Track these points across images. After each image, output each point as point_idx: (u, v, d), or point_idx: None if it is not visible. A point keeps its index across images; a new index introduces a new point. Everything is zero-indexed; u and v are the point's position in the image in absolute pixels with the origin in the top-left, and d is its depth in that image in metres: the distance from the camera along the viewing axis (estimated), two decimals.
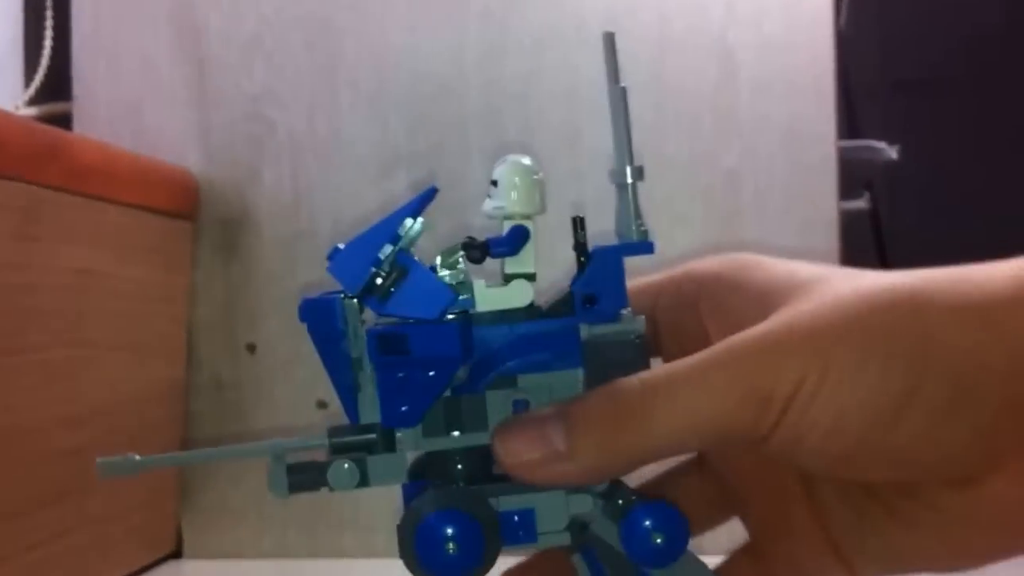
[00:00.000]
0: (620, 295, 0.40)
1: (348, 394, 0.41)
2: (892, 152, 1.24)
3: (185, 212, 1.23)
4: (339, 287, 0.40)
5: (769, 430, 0.36)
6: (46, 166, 0.97)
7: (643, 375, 0.38)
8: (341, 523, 1.21)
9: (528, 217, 0.41)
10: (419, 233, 0.41)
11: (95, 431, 1.05)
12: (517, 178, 0.41)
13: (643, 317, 0.41)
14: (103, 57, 1.29)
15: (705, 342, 0.40)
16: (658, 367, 0.38)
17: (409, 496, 0.41)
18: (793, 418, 0.36)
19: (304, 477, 0.41)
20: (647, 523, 0.39)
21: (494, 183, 0.41)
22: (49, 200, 0.97)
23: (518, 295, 0.41)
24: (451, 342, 0.39)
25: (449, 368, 0.39)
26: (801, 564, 0.44)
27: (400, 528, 0.39)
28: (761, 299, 0.40)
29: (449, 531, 0.38)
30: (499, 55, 1.19)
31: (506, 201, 0.41)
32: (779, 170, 1.16)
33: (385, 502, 1.23)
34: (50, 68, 1.32)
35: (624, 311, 0.41)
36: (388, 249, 0.40)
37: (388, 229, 0.40)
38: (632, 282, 0.41)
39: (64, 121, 1.29)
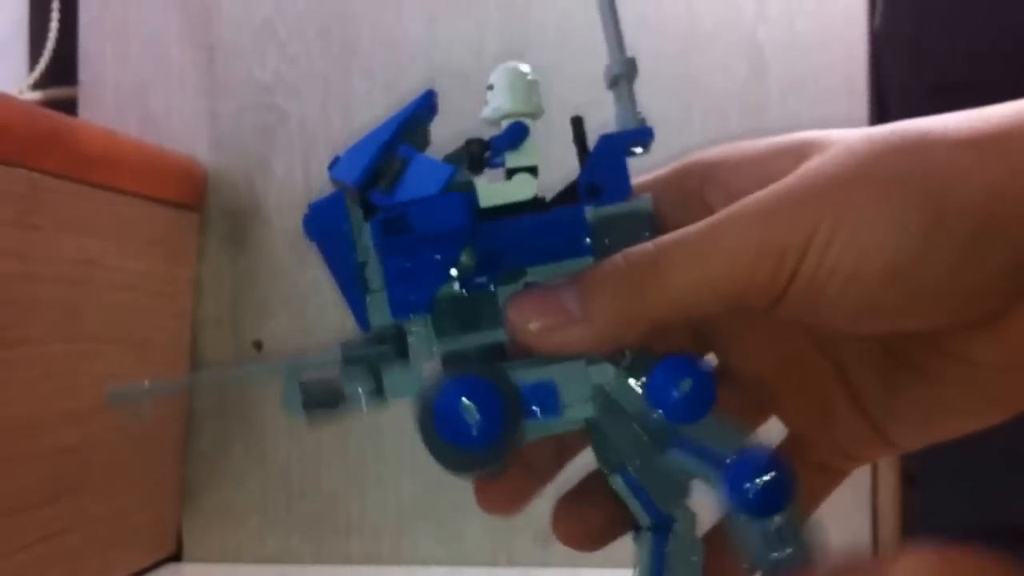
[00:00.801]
0: (624, 182, 0.40)
1: (359, 303, 0.40)
2: None
3: (192, 203, 1.20)
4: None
5: (786, 283, 0.36)
6: (49, 152, 0.94)
7: (656, 240, 0.37)
8: (348, 528, 1.18)
9: (526, 116, 0.41)
10: (422, 137, 0.42)
11: (95, 427, 1.02)
12: (512, 78, 0.41)
13: (649, 196, 0.40)
14: (110, 41, 1.27)
15: None
16: (670, 233, 0.38)
17: None
18: (810, 267, 0.35)
19: (319, 395, 0.40)
20: (675, 373, 0.38)
21: (490, 87, 0.41)
22: (51, 188, 0.94)
23: (522, 188, 0.40)
24: (456, 211, 0.38)
25: (455, 243, 0.39)
26: (842, 445, 0.45)
27: (418, 400, 0.38)
28: (766, 167, 0.39)
29: (470, 396, 0.37)
30: (519, 48, 1.16)
31: (503, 100, 0.41)
32: None
33: (392, 508, 1.20)
34: (55, 51, 1.29)
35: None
36: (390, 145, 0.39)
37: (387, 129, 0.39)
38: (634, 180, 0.41)
39: (69, 106, 1.26)
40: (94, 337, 1.03)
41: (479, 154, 0.40)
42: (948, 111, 0.36)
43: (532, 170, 0.41)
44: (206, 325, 1.23)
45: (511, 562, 1.14)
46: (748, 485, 0.37)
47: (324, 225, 0.40)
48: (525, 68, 0.41)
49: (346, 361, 0.40)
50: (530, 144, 0.41)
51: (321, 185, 1.18)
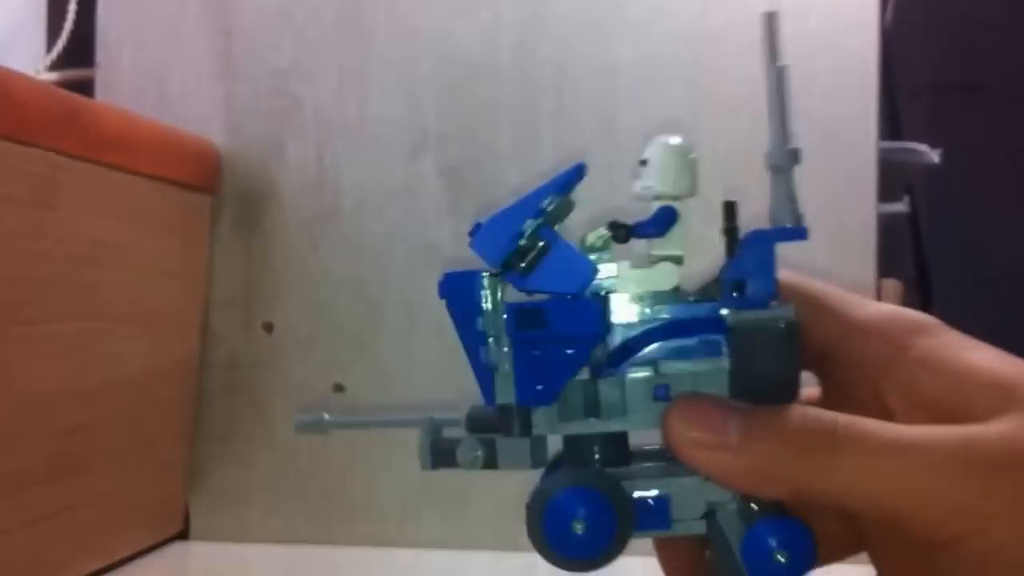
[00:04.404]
0: (770, 282, 0.39)
1: (484, 374, 0.40)
2: (934, 156, 1.22)
3: (206, 185, 1.20)
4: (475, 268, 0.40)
5: (947, 541, 0.35)
6: (65, 133, 0.94)
7: (842, 419, 0.36)
8: (354, 510, 1.19)
9: (677, 199, 0.40)
10: (565, 209, 0.41)
11: (105, 406, 1.03)
12: (668, 157, 0.40)
13: (792, 304, 0.39)
14: (128, 23, 1.27)
15: (871, 392, 0.40)
16: (857, 418, 0.37)
17: None
18: (985, 540, 0.35)
19: (444, 453, 0.42)
20: (772, 540, 0.37)
21: (643, 163, 0.41)
22: (67, 168, 0.95)
23: (663, 278, 0.40)
24: (591, 318, 0.39)
25: (587, 345, 0.39)
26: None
27: (529, 506, 0.39)
28: (962, 391, 0.38)
29: (580, 510, 0.38)
30: (535, 39, 1.16)
31: (655, 181, 0.40)
32: (818, 169, 1.12)
33: (399, 489, 1.20)
34: (73, 33, 1.30)
35: (773, 302, 0.39)
36: (531, 223, 0.39)
37: (531, 203, 0.39)
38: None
39: (86, 88, 1.26)
40: (107, 316, 1.03)
41: (622, 238, 0.40)
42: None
43: (677, 259, 0.40)
44: (218, 306, 1.23)
45: (516, 547, 1.14)
46: None
47: (458, 293, 0.40)
48: (682, 144, 0.41)
49: (470, 428, 0.42)
50: (678, 232, 0.40)
51: (335, 173, 1.19)
